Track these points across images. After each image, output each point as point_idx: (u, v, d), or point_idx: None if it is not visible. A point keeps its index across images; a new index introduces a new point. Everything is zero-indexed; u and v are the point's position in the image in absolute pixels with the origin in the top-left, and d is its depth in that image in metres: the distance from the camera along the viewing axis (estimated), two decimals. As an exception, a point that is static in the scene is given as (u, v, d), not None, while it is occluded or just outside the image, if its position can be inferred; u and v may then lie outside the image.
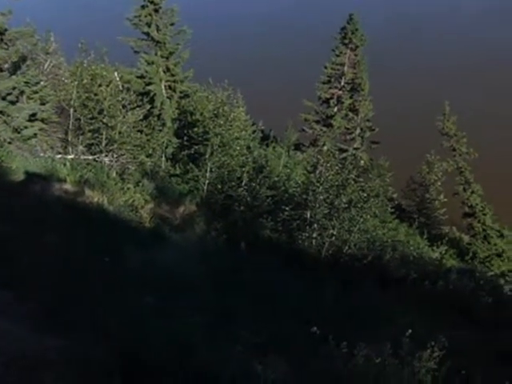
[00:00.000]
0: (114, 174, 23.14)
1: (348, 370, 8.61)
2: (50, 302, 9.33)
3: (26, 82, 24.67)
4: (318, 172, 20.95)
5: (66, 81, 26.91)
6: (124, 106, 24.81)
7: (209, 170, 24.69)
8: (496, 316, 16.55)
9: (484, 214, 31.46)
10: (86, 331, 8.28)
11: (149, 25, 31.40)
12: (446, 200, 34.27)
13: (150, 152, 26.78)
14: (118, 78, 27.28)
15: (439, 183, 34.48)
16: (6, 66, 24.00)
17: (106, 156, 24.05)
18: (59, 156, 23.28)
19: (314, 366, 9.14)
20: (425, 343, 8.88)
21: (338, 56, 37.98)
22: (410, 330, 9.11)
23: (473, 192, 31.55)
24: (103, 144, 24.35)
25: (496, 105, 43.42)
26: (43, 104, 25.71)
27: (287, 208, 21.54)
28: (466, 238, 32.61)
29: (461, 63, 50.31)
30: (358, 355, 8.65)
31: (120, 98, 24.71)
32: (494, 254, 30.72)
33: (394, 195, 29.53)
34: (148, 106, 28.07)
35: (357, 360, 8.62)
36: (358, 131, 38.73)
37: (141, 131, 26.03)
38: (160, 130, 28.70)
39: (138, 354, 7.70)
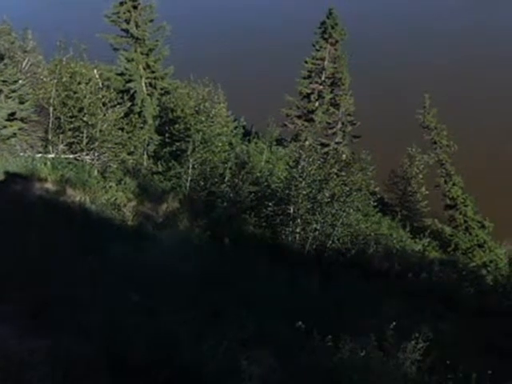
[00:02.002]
0: (96, 173, 22.97)
1: (333, 364, 8.66)
2: (33, 302, 9.25)
3: (3, 81, 24.40)
4: (300, 167, 20.97)
5: (44, 79, 26.63)
6: (104, 104, 24.63)
7: (191, 166, 24.61)
8: (479, 306, 16.74)
9: (465, 206, 31.76)
10: (72, 331, 8.23)
11: (128, 21, 31.17)
12: (427, 192, 34.47)
13: (132, 150, 26.64)
14: (97, 76, 27.07)
15: (421, 176, 34.65)
16: (-17, 65, 23.74)
17: (87, 154, 23.88)
18: (39, 155, 23.07)
19: (300, 361, 9.17)
20: (409, 335, 8.96)
21: (318, 51, 37.97)
22: (394, 322, 9.18)
23: (454, 184, 31.82)
24: (84, 142, 24.17)
25: (476, 97, 43.87)
26: (22, 103, 25.45)
27: (270, 203, 21.56)
28: (448, 230, 32.83)
29: (441, 57, 50.72)
30: (343, 349, 8.70)
31: (100, 96, 24.52)
32: (475, 245, 31.02)
33: (377, 189, 29.62)
34: (129, 104, 27.88)
35: (342, 353, 8.66)
36: (339, 125, 38.80)
37: (122, 129, 25.87)
38: (141, 128, 28.53)
39: (124, 352, 7.67)
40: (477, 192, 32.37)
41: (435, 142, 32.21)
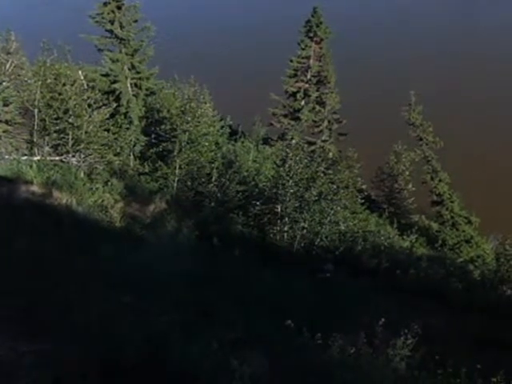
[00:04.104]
0: (82, 175, 22.86)
1: (323, 362, 8.67)
2: (22, 305, 9.19)
3: (-13, 84, 24.23)
4: (287, 166, 21.01)
5: (29, 81, 26.43)
6: (90, 105, 24.48)
7: (178, 167, 24.58)
8: (467, 301, 16.85)
9: (452, 202, 31.95)
10: (61, 334, 8.18)
11: (112, 22, 31.00)
12: (414, 189, 34.66)
13: (118, 151, 26.49)
14: (82, 77, 26.87)
15: (407, 173, 34.83)
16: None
17: (73, 156, 23.75)
18: (25, 158, 22.90)
19: (290, 359, 9.18)
20: (398, 331, 9.00)
21: (303, 49, 38.00)
22: (383, 319, 9.21)
23: (440, 180, 32.00)
24: (70, 144, 24.02)
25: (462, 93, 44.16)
26: (6, 105, 25.30)
27: (258, 202, 21.58)
28: (435, 226, 33.03)
29: (426, 53, 51.00)
30: (332, 346, 8.72)
31: (85, 97, 24.36)
32: (462, 241, 31.23)
33: (364, 186, 29.72)
34: (114, 105, 27.72)
35: (332, 351, 8.68)
36: (325, 124, 38.84)
37: (108, 130, 25.72)
38: (127, 129, 28.40)
39: (114, 354, 7.64)
40: (463, 188, 32.57)
41: (421, 139, 32.39)
